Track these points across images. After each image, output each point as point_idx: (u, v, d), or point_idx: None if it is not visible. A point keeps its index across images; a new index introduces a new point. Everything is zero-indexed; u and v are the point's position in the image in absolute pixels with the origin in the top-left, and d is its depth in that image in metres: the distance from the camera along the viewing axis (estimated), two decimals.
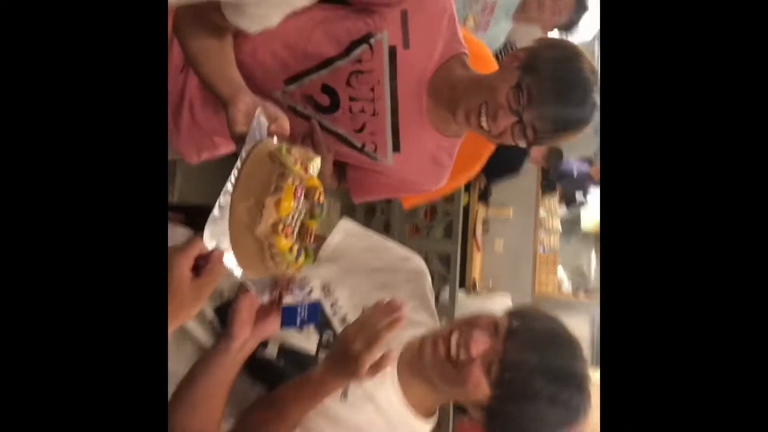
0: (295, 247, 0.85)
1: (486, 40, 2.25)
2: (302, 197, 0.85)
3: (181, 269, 0.76)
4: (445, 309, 3.18)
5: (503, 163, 4.24)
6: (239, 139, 0.86)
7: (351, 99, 1.27)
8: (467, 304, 4.29)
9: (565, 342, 1.03)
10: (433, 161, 1.36)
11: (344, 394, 1.05)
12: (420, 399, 1.10)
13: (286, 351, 1.09)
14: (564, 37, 2.40)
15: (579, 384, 1.00)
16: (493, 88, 1.18)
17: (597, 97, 1.13)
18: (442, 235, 3.36)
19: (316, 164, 0.90)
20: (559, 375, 0.98)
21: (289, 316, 0.97)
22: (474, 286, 4.71)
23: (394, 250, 1.29)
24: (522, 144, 1.20)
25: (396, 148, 1.32)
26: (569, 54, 1.16)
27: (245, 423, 1.03)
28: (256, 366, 1.07)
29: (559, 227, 5.64)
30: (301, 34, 1.20)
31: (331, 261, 1.23)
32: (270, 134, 0.90)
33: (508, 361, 0.99)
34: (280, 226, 0.80)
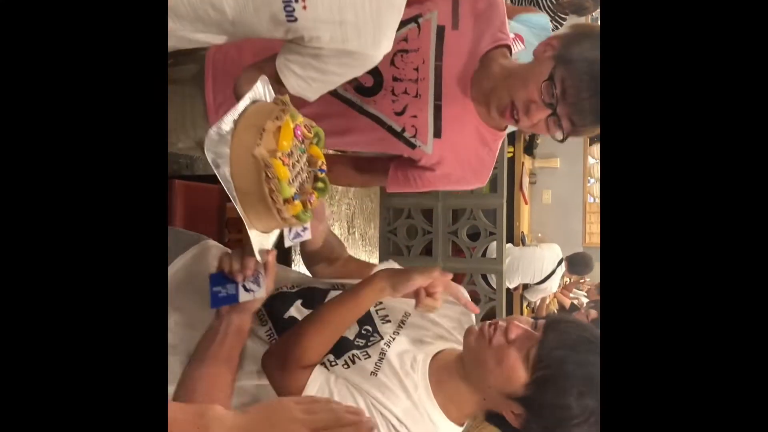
0: (294, 188, 0.89)
1: None
2: (302, 142, 0.91)
3: None
4: (493, 263, 3.17)
5: None
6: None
7: (395, 79, 1.27)
8: (518, 255, 4.27)
9: (597, 344, 1.01)
10: (474, 152, 1.33)
11: (374, 373, 1.08)
12: (451, 403, 1.09)
13: None
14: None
15: None
16: (525, 80, 1.17)
17: None
18: (488, 190, 3.33)
19: (320, 133, 0.96)
20: (591, 370, 0.98)
21: (217, 281, 1.02)
22: (523, 240, 4.67)
23: None
24: (558, 137, 1.17)
25: (437, 133, 1.29)
26: None
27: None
28: None
29: None
30: None
31: None
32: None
33: (545, 347, 1.01)
34: (278, 154, 0.86)
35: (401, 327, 1.16)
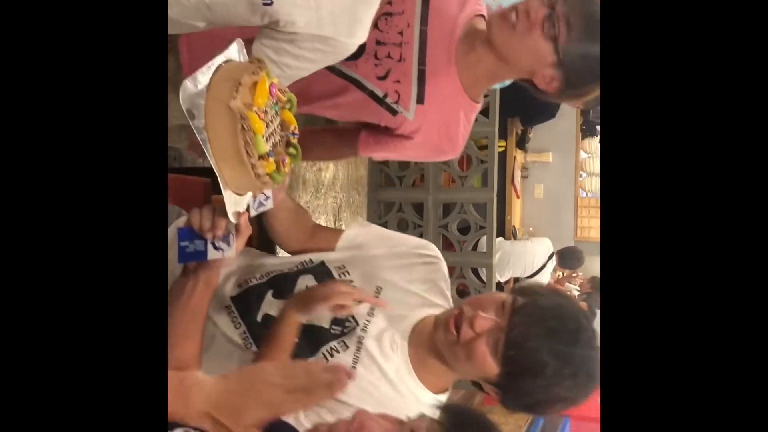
0: (269, 144, 0.89)
1: None
2: (276, 103, 0.92)
3: None
4: (483, 257, 3.17)
5: (538, 107, 4.15)
6: None
7: (378, 43, 1.25)
8: (509, 249, 4.27)
9: (570, 316, 1.03)
10: (455, 121, 1.32)
11: (354, 366, 1.08)
12: (432, 376, 1.11)
13: (299, 328, 1.12)
14: None
15: (585, 357, 1.01)
16: None
17: None
18: (480, 184, 3.33)
19: (292, 98, 0.96)
20: (564, 349, 0.99)
21: (185, 236, 0.99)
22: (514, 234, 4.67)
23: (409, 239, 1.31)
24: (550, 48, 1.15)
25: (420, 99, 1.28)
26: None
27: None
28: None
29: None
30: None
31: (347, 249, 1.25)
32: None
33: (512, 337, 1.00)
34: (254, 108, 0.86)
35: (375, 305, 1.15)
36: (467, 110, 1.33)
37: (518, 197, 4.98)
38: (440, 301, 1.20)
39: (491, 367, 1.02)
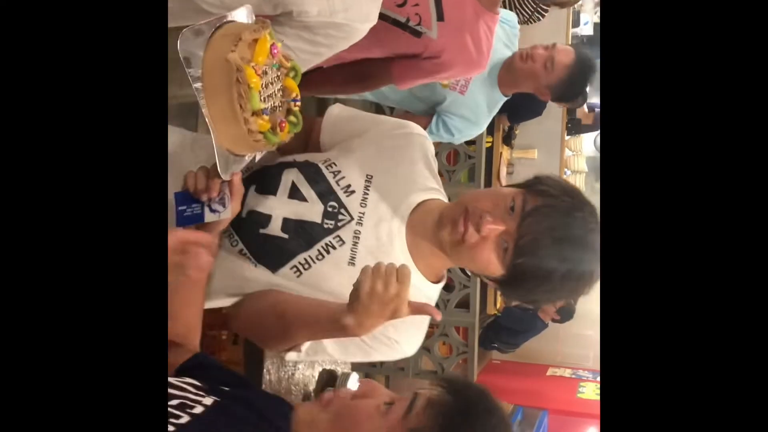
0: (266, 105, 0.89)
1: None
2: (279, 68, 0.92)
3: None
4: None
5: (525, 104, 4.18)
6: None
7: None
8: None
9: (580, 219, 0.99)
10: (476, 32, 1.42)
11: (352, 262, 1.07)
12: (428, 264, 1.10)
13: (290, 223, 1.10)
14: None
15: (590, 259, 0.98)
16: None
17: None
18: (466, 179, 3.35)
19: (296, 67, 0.96)
20: (573, 256, 0.98)
21: (183, 200, 0.99)
22: None
23: (389, 120, 1.28)
24: None
25: (440, 17, 1.38)
26: None
27: (246, 317, 1.09)
28: (258, 244, 1.10)
29: (585, 167, 5.57)
30: None
31: (330, 143, 1.22)
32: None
33: (521, 246, 0.98)
34: (252, 63, 0.86)
35: (367, 194, 1.11)
36: (487, 20, 1.43)
37: None
38: (432, 183, 1.17)
39: (495, 269, 1.02)
